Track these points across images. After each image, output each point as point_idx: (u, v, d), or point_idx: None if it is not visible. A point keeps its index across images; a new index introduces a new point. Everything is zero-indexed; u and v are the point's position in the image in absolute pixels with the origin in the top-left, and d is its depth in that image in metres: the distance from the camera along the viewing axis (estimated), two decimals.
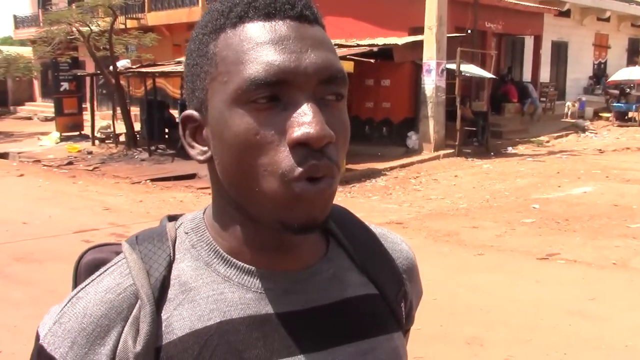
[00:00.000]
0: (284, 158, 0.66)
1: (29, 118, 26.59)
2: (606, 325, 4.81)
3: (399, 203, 9.73)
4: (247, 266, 0.74)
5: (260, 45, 0.67)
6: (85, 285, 0.74)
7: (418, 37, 14.31)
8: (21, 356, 4.31)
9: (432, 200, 9.83)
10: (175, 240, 0.77)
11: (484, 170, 12.48)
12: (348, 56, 12.30)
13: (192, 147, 0.75)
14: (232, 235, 0.75)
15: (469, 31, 15.58)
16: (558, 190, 10.26)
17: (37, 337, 0.72)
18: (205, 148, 0.73)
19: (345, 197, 10.26)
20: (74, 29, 16.35)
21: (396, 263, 0.86)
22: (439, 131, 13.98)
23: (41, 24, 21.10)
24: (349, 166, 12.19)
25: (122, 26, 19.95)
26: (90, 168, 13.56)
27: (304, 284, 0.76)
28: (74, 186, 11.66)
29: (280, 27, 0.68)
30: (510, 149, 14.88)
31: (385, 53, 13.81)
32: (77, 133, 18.54)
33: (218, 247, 0.76)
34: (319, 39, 0.69)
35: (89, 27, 16.11)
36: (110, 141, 16.75)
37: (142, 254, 0.74)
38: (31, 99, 30.66)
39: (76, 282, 0.84)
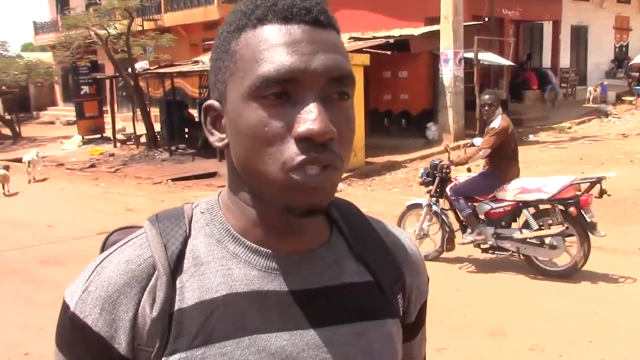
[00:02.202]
0: (288, 149, 0.73)
1: (52, 122, 26.97)
2: (632, 312, 4.74)
3: (420, 195, 9.65)
4: (254, 246, 0.81)
5: (275, 47, 0.73)
6: (108, 255, 0.81)
7: (434, 27, 14.20)
8: (48, 358, 4.38)
9: None
10: (191, 219, 0.84)
11: None
12: (364, 49, 12.22)
13: (212, 134, 0.82)
14: (243, 216, 0.82)
15: (486, 19, 15.43)
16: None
17: (67, 306, 0.80)
18: (223, 135, 0.81)
19: (365, 191, 10.24)
20: (92, 32, 16.53)
21: (394, 255, 0.91)
22: (459, 121, 13.88)
23: (60, 29, 21.34)
24: (369, 159, 12.15)
25: (139, 28, 20.14)
26: (112, 170, 13.72)
27: (305, 267, 0.82)
28: (97, 188, 11.80)
29: (295, 30, 0.74)
30: (531, 137, 14.69)
31: (402, 44, 13.73)
32: (98, 136, 18.76)
33: (229, 226, 0.83)
34: (330, 43, 0.76)
35: (107, 30, 16.28)
36: (132, 142, 16.93)
37: (161, 230, 0.82)
38: (53, 103, 31.12)
39: None
